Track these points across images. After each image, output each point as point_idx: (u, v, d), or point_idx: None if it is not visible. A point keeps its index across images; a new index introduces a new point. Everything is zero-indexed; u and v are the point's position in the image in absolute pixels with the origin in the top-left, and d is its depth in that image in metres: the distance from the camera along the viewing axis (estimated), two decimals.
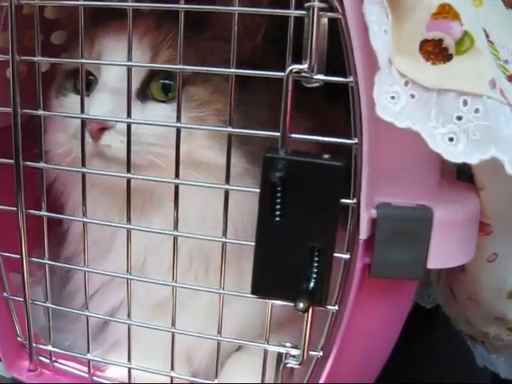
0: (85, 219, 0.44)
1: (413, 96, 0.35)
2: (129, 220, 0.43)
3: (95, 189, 0.48)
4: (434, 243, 0.39)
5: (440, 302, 0.58)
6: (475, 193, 0.42)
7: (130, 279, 0.44)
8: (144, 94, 0.47)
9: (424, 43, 0.35)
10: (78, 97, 0.43)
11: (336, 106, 0.53)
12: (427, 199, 0.40)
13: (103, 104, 0.45)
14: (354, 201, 0.39)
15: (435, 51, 0.35)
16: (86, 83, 0.45)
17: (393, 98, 0.34)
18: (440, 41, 0.35)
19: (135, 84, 0.46)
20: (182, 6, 0.39)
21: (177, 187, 0.41)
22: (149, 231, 0.44)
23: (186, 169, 0.44)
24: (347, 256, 0.41)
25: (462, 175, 0.46)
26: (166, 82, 0.47)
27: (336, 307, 0.42)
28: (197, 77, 0.46)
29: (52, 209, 0.47)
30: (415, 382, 0.65)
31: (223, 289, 0.43)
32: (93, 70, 0.48)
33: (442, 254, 0.39)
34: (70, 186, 0.51)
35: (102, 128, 0.44)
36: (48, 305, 0.47)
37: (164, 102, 0.47)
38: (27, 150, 0.44)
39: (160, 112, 0.46)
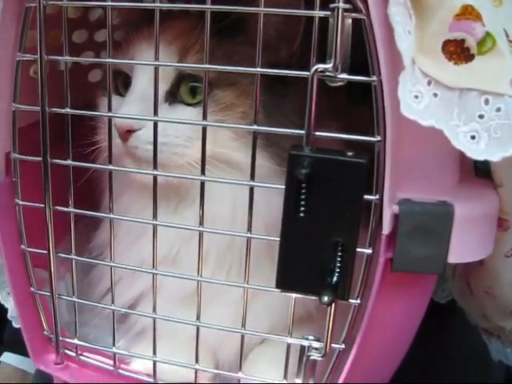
0: (111, 215, 0.45)
1: (436, 95, 0.36)
2: (155, 216, 0.44)
3: (132, 185, 0.49)
4: (454, 238, 0.40)
5: (455, 296, 0.59)
6: (494, 189, 0.43)
7: (156, 273, 0.46)
8: (173, 97, 0.48)
9: (446, 43, 0.36)
10: (117, 97, 0.47)
11: (359, 107, 0.54)
12: (448, 195, 0.40)
13: (131, 106, 0.46)
14: (377, 197, 0.40)
15: (457, 51, 0.36)
16: (124, 84, 0.48)
17: (416, 97, 0.35)
18: (462, 41, 0.36)
19: (164, 87, 0.48)
20: (209, 6, 0.40)
21: (203, 184, 0.42)
22: (174, 226, 0.45)
23: (212, 170, 0.46)
24: (369, 251, 0.42)
25: (480, 172, 0.47)
26: (194, 84, 0.48)
27: (358, 301, 0.43)
28: (223, 80, 0.47)
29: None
30: (429, 376, 0.66)
31: (247, 283, 0.44)
32: (129, 72, 0.50)
33: (462, 248, 0.40)
34: (106, 180, 0.52)
35: (130, 130, 0.46)
36: (74, 299, 0.48)
37: (191, 105, 0.48)
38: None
39: (186, 115, 0.48)
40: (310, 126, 0.39)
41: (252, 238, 0.43)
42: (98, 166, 0.46)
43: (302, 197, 0.39)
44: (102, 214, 0.47)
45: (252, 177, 0.42)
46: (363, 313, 0.43)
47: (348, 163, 0.38)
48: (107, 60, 0.42)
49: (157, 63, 0.41)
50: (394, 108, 0.37)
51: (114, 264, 0.46)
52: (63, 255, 0.47)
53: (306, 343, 0.44)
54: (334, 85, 0.39)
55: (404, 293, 0.44)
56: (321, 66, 0.38)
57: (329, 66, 0.38)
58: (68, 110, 0.44)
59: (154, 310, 0.47)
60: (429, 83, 0.36)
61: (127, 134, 0.46)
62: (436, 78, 0.36)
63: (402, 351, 0.48)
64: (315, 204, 0.39)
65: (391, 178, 0.40)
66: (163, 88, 0.47)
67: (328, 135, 0.40)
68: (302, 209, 0.40)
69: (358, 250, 0.40)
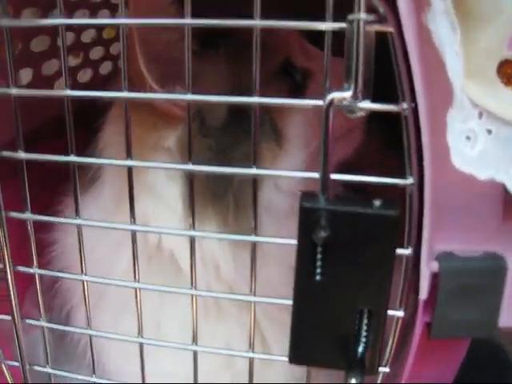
0: (84, 277, 0.37)
1: (489, 132, 0.28)
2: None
3: None
4: (507, 298, 0.32)
5: None
6: None
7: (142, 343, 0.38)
8: None
9: (504, 64, 0.28)
10: None
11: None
12: (497, 245, 0.33)
13: None
14: (409, 251, 0.33)
15: None
16: None
17: (468, 138, 0.27)
18: None
19: None
20: (189, 21, 0.31)
21: None
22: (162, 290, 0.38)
23: None
24: (401, 313, 0.34)
25: None
26: None
27: (387, 369, 0.36)
28: None
29: None
30: None
31: (253, 351, 0.37)
32: None
33: None
34: None
35: None
36: (48, 370, 0.41)
37: None
38: None
39: None
40: (326, 168, 0.31)
41: (256, 302, 0.35)
42: (68, 220, 0.38)
43: (319, 256, 0.32)
44: (71, 276, 0.39)
45: (255, 229, 0.34)
46: (393, 380, 0.36)
47: (375, 217, 0.31)
48: (66, 93, 0.33)
49: None
50: (434, 142, 0.29)
51: (92, 332, 0.39)
52: (31, 321, 0.39)
53: None
54: (354, 116, 0.31)
55: (442, 355, 0.37)
56: (338, 95, 0.30)
57: (347, 94, 0.30)
58: (22, 155, 0.35)
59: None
60: (480, 116, 0.28)
61: None
62: (489, 109, 0.28)
63: None
64: (335, 266, 0.32)
65: (430, 229, 0.32)
66: None
67: (350, 178, 0.32)
68: (319, 271, 0.32)
69: (388, 312, 0.33)
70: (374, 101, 0.30)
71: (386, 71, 0.31)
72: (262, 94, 0.31)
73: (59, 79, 0.57)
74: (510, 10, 0.26)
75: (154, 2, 0.34)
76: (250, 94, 0.31)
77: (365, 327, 0.33)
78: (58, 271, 0.44)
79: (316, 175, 0.31)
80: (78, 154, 0.35)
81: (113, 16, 0.55)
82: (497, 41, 0.27)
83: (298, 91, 0.44)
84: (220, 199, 0.39)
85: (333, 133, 0.31)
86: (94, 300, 0.43)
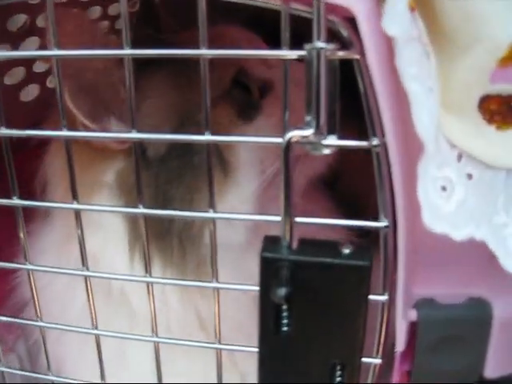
0: (40, 323, 0.35)
1: (470, 176, 0.24)
2: None
3: None
4: (493, 347, 0.29)
5: None
6: None
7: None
8: None
9: (486, 99, 0.24)
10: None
11: None
12: (483, 288, 0.30)
13: None
14: (386, 297, 0.30)
15: (502, 110, 0.24)
16: None
17: (444, 188, 0.24)
18: (510, 97, 0.23)
19: None
20: (129, 51, 0.27)
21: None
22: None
23: None
24: (378, 361, 0.31)
25: None
26: None
27: None
28: None
29: None
30: None
31: None
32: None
33: (505, 358, 0.30)
34: None
35: None
36: None
37: None
38: None
39: None
40: (288, 212, 0.28)
41: (222, 349, 0.33)
42: (15, 265, 0.35)
43: (284, 307, 0.29)
44: (29, 322, 0.36)
45: (216, 279, 0.31)
46: None
47: (344, 267, 0.27)
48: (1, 132, 0.29)
49: None
50: (407, 181, 0.26)
51: (54, 378, 0.36)
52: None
53: None
54: (319, 153, 0.27)
55: None
56: (297, 134, 0.26)
57: (309, 131, 0.26)
58: None
59: None
60: (459, 158, 0.24)
61: None
62: (469, 151, 0.24)
63: None
64: (302, 317, 0.29)
65: (406, 273, 0.29)
66: None
67: (316, 221, 0.29)
68: (285, 321, 0.29)
69: (364, 360, 0.30)
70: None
71: None
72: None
73: (26, 87, 0.54)
74: (491, 38, 0.22)
75: (79, 27, 0.30)
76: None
77: (338, 378, 0.30)
78: (22, 304, 0.41)
79: (278, 219, 0.28)
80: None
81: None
82: (477, 72, 0.23)
83: (252, 108, 0.39)
84: (163, 237, 0.37)
85: (294, 170, 0.28)
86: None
